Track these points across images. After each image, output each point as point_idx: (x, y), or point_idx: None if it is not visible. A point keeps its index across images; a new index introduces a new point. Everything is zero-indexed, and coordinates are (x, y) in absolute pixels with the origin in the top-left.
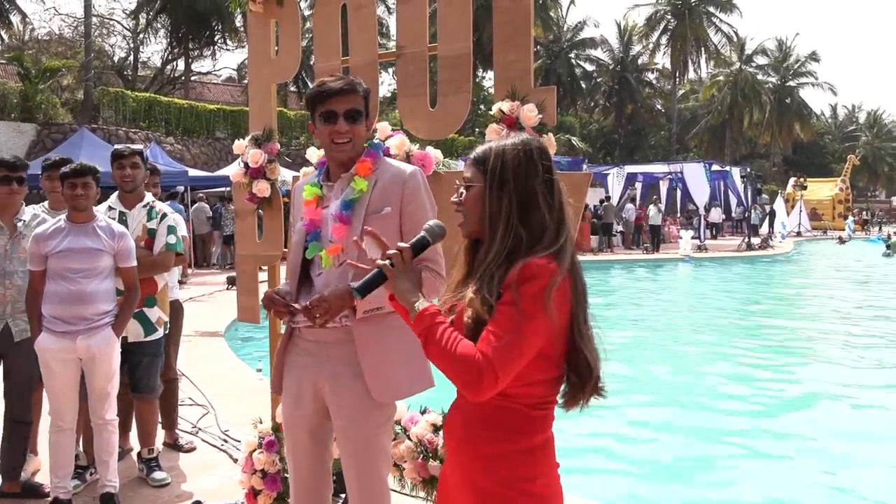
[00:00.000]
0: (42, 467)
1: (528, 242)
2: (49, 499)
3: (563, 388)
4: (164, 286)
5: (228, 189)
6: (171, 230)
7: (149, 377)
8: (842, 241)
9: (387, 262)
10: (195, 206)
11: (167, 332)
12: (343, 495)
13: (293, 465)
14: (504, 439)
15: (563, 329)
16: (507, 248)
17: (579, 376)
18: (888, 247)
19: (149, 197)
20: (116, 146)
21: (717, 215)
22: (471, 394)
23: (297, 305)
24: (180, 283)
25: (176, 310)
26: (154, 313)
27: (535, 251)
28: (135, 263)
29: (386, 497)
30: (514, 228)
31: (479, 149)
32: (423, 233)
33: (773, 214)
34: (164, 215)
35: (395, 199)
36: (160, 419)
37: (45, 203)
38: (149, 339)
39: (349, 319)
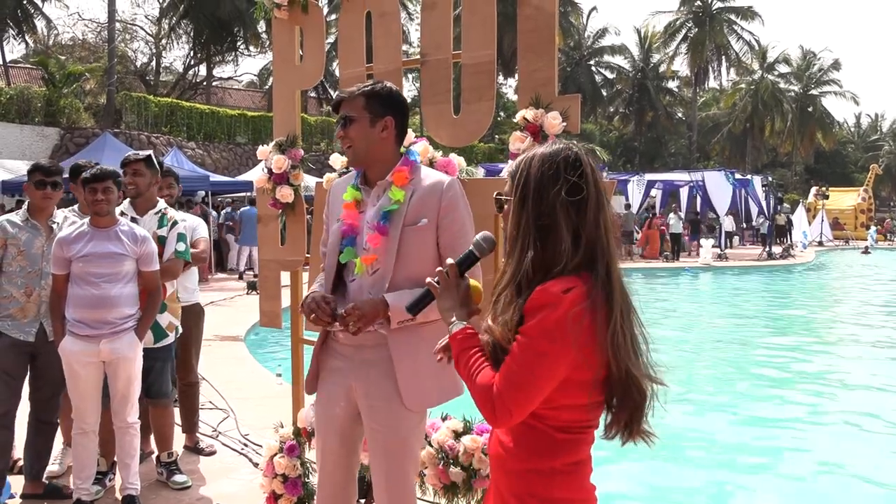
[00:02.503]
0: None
1: (544, 264)
2: (71, 500)
3: (607, 412)
4: (174, 292)
5: (249, 194)
6: (181, 238)
7: (161, 382)
8: (867, 250)
9: (434, 280)
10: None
11: (178, 336)
12: (363, 501)
13: (320, 466)
14: (526, 458)
15: (597, 353)
16: (522, 270)
17: (627, 402)
18: None
19: (161, 204)
20: (128, 154)
21: (729, 224)
22: (491, 423)
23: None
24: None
25: (197, 314)
26: (164, 319)
27: (552, 274)
28: (157, 267)
29: (412, 501)
30: (528, 249)
31: (515, 161)
32: (471, 247)
33: (790, 223)
34: (175, 223)
35: (431, 210)
36: (181, 422)
37: (76, 206)
38: (159, 344)
39: (383, 328)
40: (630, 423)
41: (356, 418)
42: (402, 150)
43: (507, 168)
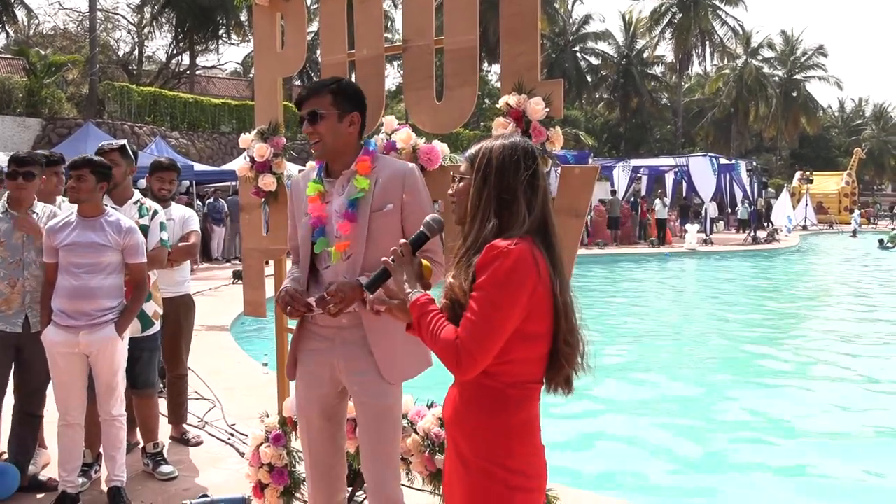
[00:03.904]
0: (51, 461)
1: (502, 230)
2: (56, 493)
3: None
4: (156, 280)
5: (234, 183)
6: (163, 227)
7: (147, 373)
8: (854, 234)
9: (390, 258)
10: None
11: (162, 325)
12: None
13: (307, 446)
14: (481, 416)
15: (542, 306)
16: (483, 235)
17: (572, 354)
18: (881, 241)
19: (137, 194)
20: (102, 143)
21: (712, 209)
22: (456, 374)
23: (311, 300)
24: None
25: (188, 306)
26: (150, 307)
27: (503, 236)
28: (143, 260)
29: (397, 468)
30: (490, 219)
31: (474, 146)
32: (422, 228)
33: (769, 208)
34: (156, 212)
35: (395, 196)
36: (168, 414)
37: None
38: (146, 333)
39: (359, 307)
40: (570, 377)
41: (341, 396)
42: (362, 141)
43: (468, 152)
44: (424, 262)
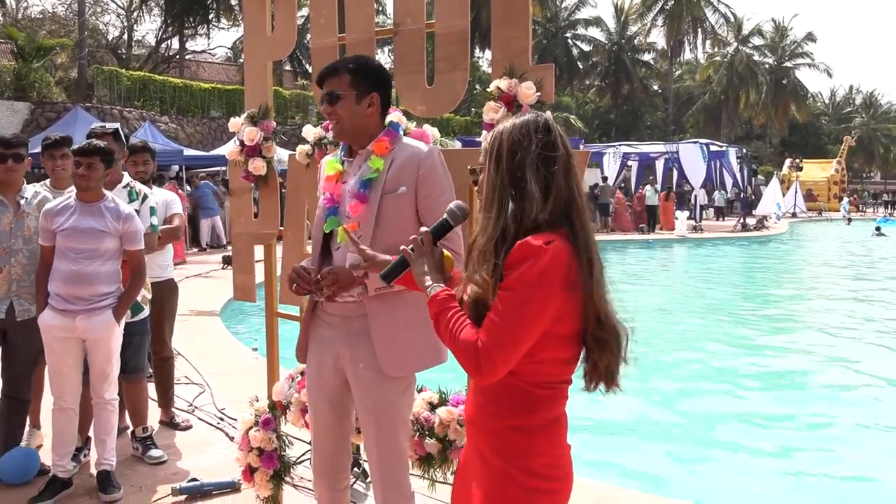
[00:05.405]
0: (43, 442)
1: (521, 219)
2: (48, 476)
3: (583, 365)
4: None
5: (223, 168)
6: (153, 211)
7: (137, 357)
8: (849, 221)
9: (409, 247)
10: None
11: (151, 309)
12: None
13: (313, 432)
14: (504, 415)
15: (574, 306)
16: (501, 225)
17: (608, 350)
18: (877, 228)
19: (126, 178)
20: (93, 126)
21: (703, 196)
22: (474, 378)
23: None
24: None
25: (171, 289)
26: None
27: (532, 229)
28: (141, 247)
29: (404, 466)
30: (506, 206)
31: (490, 132)
32: (444, 216)
33: (758, 195)
34: (146, 196)
35: (410, 179)
36: (157, 398)
37: (47, 181)
38: (136, 318)
39: (362, 296)
40: (611, 371)
41: (345, 385)
42: (386, 122)
43: (483, 140)
44: (446, 252)
